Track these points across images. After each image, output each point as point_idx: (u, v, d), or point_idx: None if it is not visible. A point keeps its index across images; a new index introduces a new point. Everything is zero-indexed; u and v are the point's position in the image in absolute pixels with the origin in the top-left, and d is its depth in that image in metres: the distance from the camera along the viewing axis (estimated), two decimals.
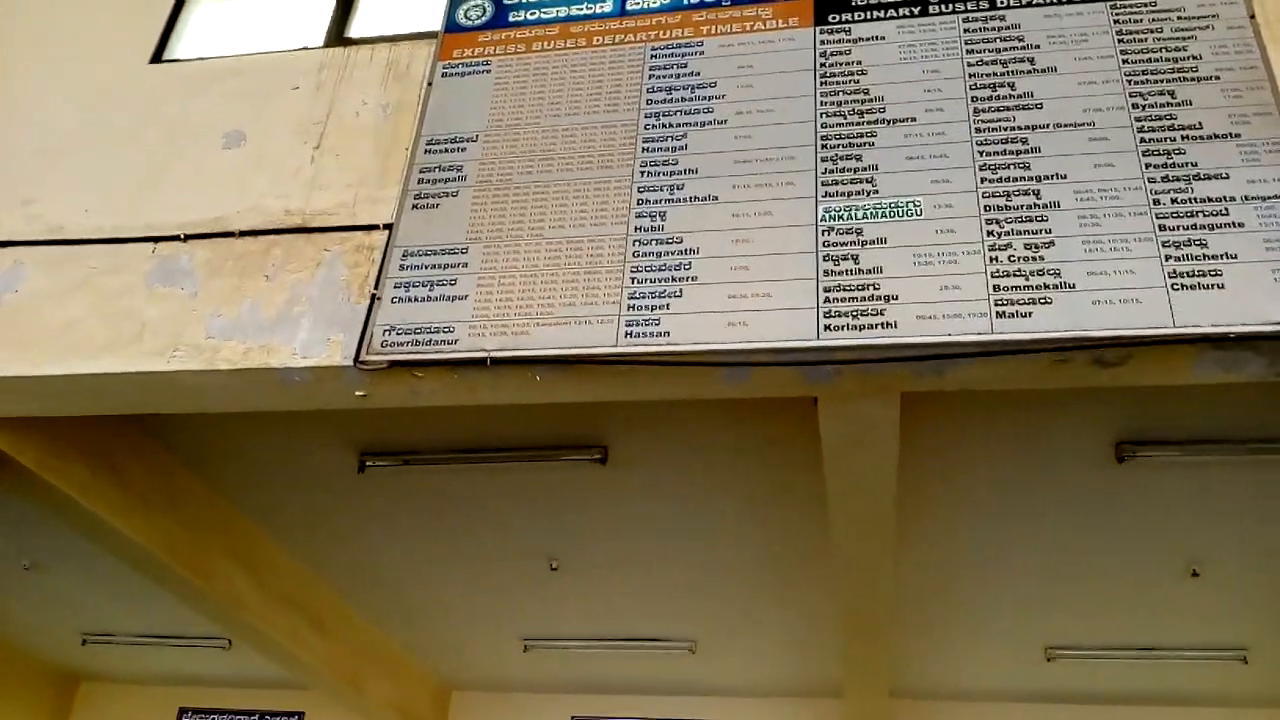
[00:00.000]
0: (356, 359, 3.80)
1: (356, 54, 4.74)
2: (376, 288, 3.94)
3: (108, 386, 4.10)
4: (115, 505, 5.08)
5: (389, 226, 4.10)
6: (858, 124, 3.89)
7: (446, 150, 4.22)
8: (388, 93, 4.53)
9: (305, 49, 4.91)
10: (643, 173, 3.98)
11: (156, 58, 5.13)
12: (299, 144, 4.48)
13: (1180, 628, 6.71)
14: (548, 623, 7.46)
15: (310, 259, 4.11)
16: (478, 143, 4.21)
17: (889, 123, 3.87)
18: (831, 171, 3.80)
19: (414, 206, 4.11)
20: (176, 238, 4.29)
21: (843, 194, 3.74)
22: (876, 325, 3.45)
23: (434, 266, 3.94)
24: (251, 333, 3.96)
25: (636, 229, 3.84)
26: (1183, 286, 3.37)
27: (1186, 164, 3.59)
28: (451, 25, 4.60)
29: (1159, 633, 6.81)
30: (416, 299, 3.88)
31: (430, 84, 4.45)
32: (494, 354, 3.69)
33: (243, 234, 4.24)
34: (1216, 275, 3.36)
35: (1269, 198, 3.47)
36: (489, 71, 4.41)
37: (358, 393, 3.89)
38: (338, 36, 4.95)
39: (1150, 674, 7.33)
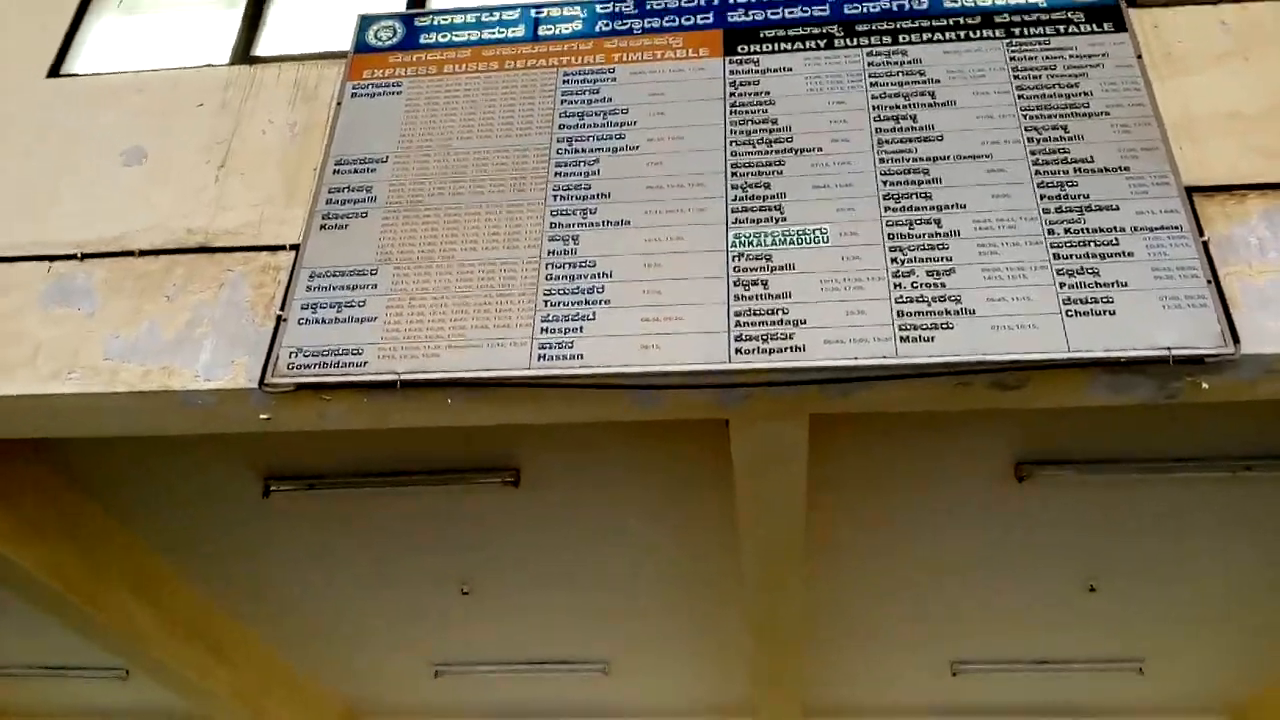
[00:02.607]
0: (261, 381, 3.73)
1: (263, 72, 4.66)
2: (282, 309, 3.87)
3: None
4: (4, 532, 4.89)
5: (295, 247, 4.04)
6: (766, 153, 3.96)
7: (356, 171, 4.17)
8: (295, 112, 4.46)
9: (210, 66, 4.81)
10: (556, 196, 3.99)
11: (54, 71, 4.97)
12: (202, 162, 4.39)
13: (1079, 640, 6.91)
14: (459, 647, 7.37)
15: (213, 279, 4.03)
16: (388, 164, 4.17)
17: (796, 152, 3.95)
18: (741, 199, 3.86)
19: (322, 227, 4.05)
20: (73, 256, 4.16)
21: (752, 220, 3.80)
22: (786, 349, 3.51)
23: (342, 288, 3.89)
24: (151, 354, 3.86)
25: (549, 252, 3.85)
26: (1076, 313, 3.50)
27: (1079, 195, 3.74)
28: (361, 46, 4.56)
29: (1059, 646, 7.01)
30: (324, 320, 3.82)
31: (339, 104, 4.40)
32: (404, 376, 3.65)
33: (143, 253, 4.13)
34: (1108, 302, 3.51)
35: (1156, 228, 3.63)
36: (400, 93, 4.38)
37: (262, 416, 3.81)
38: (244, 54, 4.87)
39: (1051, 685, 7.53)
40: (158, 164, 4.43)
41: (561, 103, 4.22)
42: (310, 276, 3.93)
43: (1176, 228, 3.62)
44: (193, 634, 6.41)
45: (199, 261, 4.09)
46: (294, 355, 3.75)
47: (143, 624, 5.91)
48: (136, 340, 3.89)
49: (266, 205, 4.19)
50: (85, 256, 4.15)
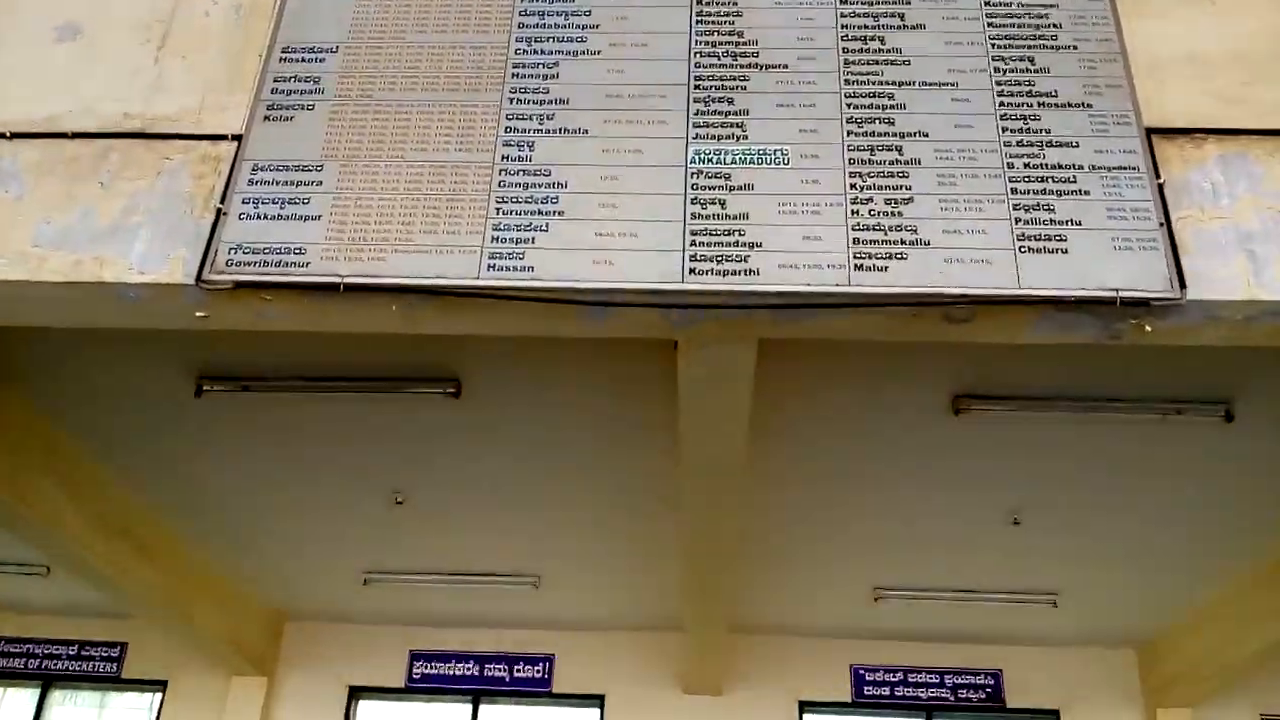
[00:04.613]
0: (199, 277, 3.58)
1: None
2: (223, 202, 3.71)
3: None
4: None
5: (238, 137, 3.86)
6: (731, 66, 3.86)
7: (303, 60, 3.99)
8: None
9: None
10: (511, 99, 3.86)
11: None
12: (140, 42, 4.16)
13: (999, 572, 7.12)
14: (390, 556, 7.37)
15: (150, 167, 3.84)
16: (337, 54, 4.00)
17: (762, 68, 3.86)
18: (703, 113, 3.77)
19: (266, 118, 3.88)
20: (1, 135, 3.94)
21: (713, 137, 3.72)
22: (740, 271, 3.47)
23: (286, 183, 3.74)
24: (83, 243, 3.68)
25: (503, 158, 3.73)
26: (1029, 249, 3.50)
27: (1040, 130, 3.72)
28: None
29: (979, 576, 7.22)
30: (266, 216, 3.67)
31: None
32: (348, 279, 3.54)
33: (75, 135, 3.92)
34: (1061, 240, 3.51)
35: (1113, 168, 3.63)
36: None
37: (198, 313, 3.68)
38: None
39: (969, 614, 7.79)
40: (91, 41, 4.19)
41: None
42: (253, 169, 3.76)
43: (1134, 169, 3.62)
44: (118, 532, 6.30)
45: (135, 148, 3.89)
46: (233, 251, 3.61)
47: (65, 518, 5.79)
48: (68, 227, 3.70)
49: (208, 91, 3.99)
50: (14, 136, 3.93)
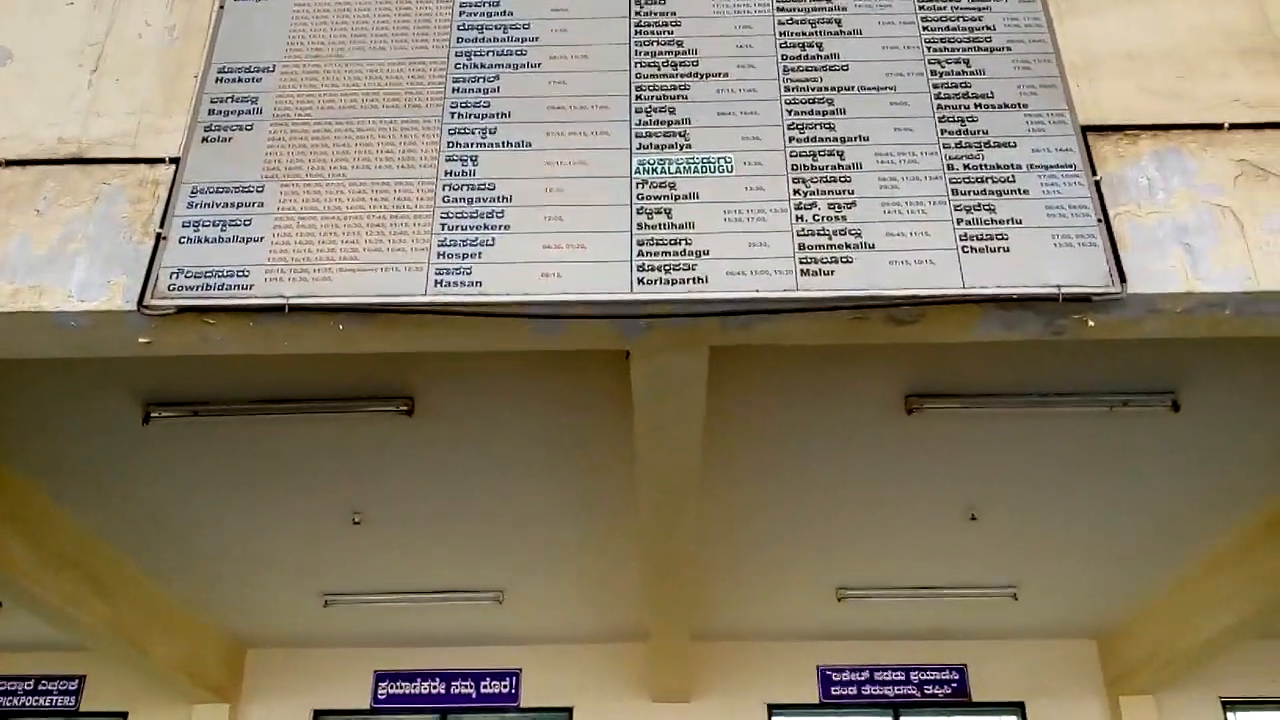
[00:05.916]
0: (140, 303, 3.53)
1: None
2: (162, 226, 3.65)
3: None
4: None
5: (175, 160, 3.80)
6: (672, 76, 3.87)
7: (240, 80, 3.95)
8: (174, 14, 4.18)
9: None
10: (453, 114, 3.84)
11: None
12: (73, 66, 4.09)
13: (959, 568, 7.19)
14: (350, 577, 7.30)
15: (87, 193, 3.77)
16: (274, 74, 3.96)
17: (702, 77, 3.88)
18: (646, 124, 3.78)
19: (204, 140, 3.83)
20: None
21: (656, 147, 3.73)
22: (688, 280, 3.47)
23: (226, 205, 3.69)
24: (21, 272, 3.61)
25: (447, 173, 3.72)
26: (972, 249, 3.54)
27: (979, 132, 3.76)
28: None
29: (940, 572, 7.28)
30: (207, 240, 3.62)
31: (222, 7, 4.13)
32: (293, 301, 3.50)
33: (9, 163, 3.85)
34: (1003, 239, 3.55)
35: (1051, 166, 3.68)
36: None
37: (141, 339, 3.61)
38: None
39: (932, 610, 7.85)
40: (24, 66, 4.11)
41: (460, 14, 4.04)
42: (192, 192, 3.71)
43: (1071, 166, 3.67)
44: (69, 565, 6.19)
45: (72, 173, 3.82)
46: (175, 276, 3.56)
47: (15, 554, 5.68)
48: (5, 256, 3.62)
49: (144, 114, 3.93)
50: None
